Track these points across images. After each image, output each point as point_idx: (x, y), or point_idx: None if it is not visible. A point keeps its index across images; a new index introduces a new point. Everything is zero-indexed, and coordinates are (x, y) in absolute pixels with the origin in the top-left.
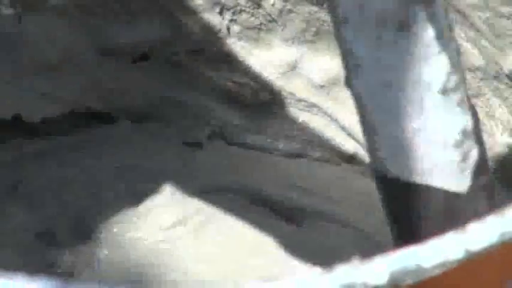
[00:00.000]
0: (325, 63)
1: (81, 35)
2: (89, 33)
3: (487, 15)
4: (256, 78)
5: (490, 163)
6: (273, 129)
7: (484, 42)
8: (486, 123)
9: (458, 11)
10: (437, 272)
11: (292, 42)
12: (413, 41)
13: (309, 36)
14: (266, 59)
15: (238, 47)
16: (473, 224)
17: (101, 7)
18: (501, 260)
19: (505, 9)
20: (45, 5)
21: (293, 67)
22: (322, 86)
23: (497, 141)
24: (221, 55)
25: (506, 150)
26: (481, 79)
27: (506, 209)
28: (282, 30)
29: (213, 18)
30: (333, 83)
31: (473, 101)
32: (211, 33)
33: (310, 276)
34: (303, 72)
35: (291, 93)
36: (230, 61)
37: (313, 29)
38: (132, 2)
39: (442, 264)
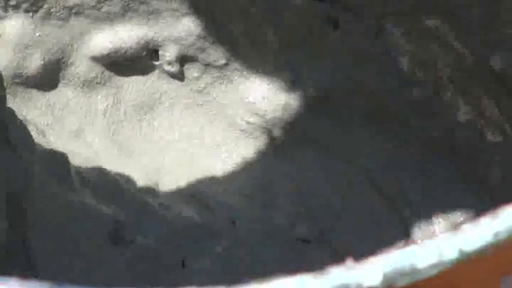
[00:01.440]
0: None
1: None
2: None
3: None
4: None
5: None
6: None
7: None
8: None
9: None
10: (431, 272)
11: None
12: None
13: None
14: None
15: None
16: (467, 224)
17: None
18: (496, 260)
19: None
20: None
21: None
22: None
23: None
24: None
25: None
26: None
27: (500, 209)
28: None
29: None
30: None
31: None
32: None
33: (304, 278)
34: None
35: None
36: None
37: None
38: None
39: (437, 265)
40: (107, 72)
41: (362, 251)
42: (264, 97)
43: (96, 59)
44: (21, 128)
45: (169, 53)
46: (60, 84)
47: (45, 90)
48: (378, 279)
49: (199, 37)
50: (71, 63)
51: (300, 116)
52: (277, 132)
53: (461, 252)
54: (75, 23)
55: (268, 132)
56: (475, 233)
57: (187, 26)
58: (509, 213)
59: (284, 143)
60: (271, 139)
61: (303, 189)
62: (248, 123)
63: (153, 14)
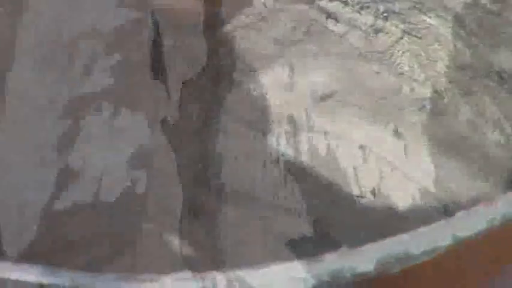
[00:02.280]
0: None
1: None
2: None
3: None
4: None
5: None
6: None
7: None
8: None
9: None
10: (425, 258)
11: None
12: None
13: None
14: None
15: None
16: (461, 211)
17: None
18: (496, 250)
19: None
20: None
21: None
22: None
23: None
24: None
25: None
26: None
27: (495, 197)
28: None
29: None
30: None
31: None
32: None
33: (298, 263)
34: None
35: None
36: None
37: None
38: None
39: (431, 251)
40: None
41: None
42: None
43: None
44: None
45: None
46: None
47: None
48: (370, 265)
49: None
50: None
51: None
52: None
53: (454, 237)
54: None
55: None
56: (468, 219)
57: None
58: (503, 200)
59: None
60: None
61: None
62: None
63: None
